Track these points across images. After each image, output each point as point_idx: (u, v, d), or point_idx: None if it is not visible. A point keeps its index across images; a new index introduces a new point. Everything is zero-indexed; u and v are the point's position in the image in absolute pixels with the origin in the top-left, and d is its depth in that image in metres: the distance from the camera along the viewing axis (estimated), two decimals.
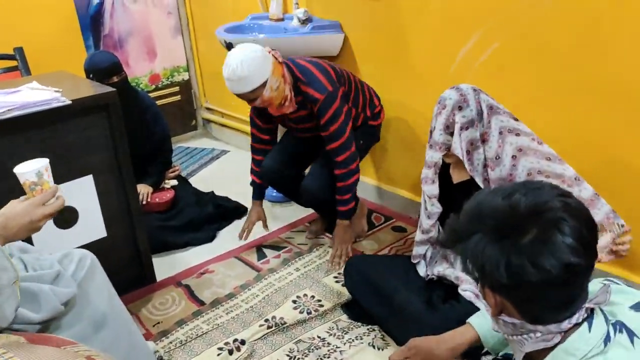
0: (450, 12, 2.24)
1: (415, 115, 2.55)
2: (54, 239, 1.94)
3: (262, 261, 2.48)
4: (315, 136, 2.34)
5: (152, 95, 3.66)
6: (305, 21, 2.75)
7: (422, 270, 1.90)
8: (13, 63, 2.77)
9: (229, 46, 2.73)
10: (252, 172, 2.53)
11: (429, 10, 2.32)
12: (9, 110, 1.76)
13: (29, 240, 1.72)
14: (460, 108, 1.64)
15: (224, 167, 3.56)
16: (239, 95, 2.09)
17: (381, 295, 1.89)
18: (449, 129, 1.67)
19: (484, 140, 1.65)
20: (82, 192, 2.04)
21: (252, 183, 2.54)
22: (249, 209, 2.61)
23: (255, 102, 2.11)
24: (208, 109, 4.00)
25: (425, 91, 2.45)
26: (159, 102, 3.73)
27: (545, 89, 2.03)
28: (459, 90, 1.67)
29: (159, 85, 3.80)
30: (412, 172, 2.63)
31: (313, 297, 2.19)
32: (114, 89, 2.04)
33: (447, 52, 2.31)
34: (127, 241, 2.22)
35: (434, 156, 1.73)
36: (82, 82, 2.20)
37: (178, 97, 3.92)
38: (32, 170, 1.23)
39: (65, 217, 1.98)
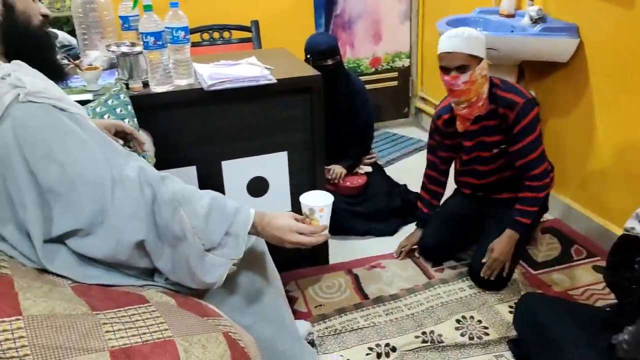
0: None
1: None
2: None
3: (436, 268, 2.36)
4: (484, 186, 2.26)
5: (370, 78, 3.72)
6: (537, 20, 2.49)
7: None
8: (248, 34, 3.01)
9: None
10: (421, 200, 2.50)
11: None
12: (222, 82, 1.91)
13: None
14: None
15: (425, 161, 3.45)
16: (451, 55, 1.97)
17: (552, 344, 1.64)
18: None
19: None
20: (275, 166, 2.16)
21: (419, 212, 2.49)
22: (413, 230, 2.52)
23: (460, 77, 1.97)
24: (422, 98, 3.92)
25: None
26: (376, 86, 3.78)
27: None
28: None
29: (379, 69, 3.82)
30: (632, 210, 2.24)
31: (480, 322, 2.03)
32: (319, 73, 2.09)
33: None
34: None
35: None
36: (294, 62, 2.29)
37: (395, 83, 3.91)
38: (306, 204, 1.41)
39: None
